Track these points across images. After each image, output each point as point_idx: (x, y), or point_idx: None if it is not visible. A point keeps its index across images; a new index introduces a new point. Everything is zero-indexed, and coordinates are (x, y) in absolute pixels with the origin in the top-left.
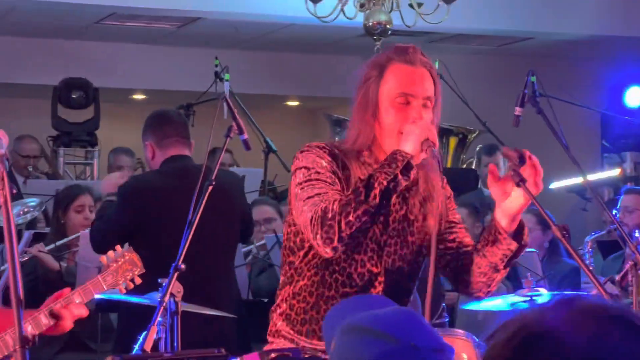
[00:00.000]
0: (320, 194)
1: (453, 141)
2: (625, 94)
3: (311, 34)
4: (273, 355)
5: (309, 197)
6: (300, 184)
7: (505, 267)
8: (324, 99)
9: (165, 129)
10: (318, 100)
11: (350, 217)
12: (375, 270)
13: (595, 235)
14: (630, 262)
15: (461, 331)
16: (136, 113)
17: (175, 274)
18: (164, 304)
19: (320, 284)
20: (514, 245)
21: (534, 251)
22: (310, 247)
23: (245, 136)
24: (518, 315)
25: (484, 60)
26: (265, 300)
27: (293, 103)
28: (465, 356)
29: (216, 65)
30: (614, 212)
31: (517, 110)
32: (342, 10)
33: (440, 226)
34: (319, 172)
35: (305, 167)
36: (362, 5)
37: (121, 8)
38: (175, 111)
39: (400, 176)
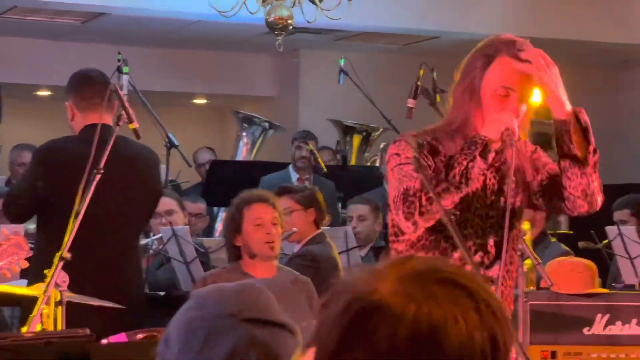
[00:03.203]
0: (406, 175)
1: (357, 139)
2: (532, 92)
3: (218, 32)
4: (141, 335)
5: (396, 179)
6: (392, 169)
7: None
8: (231, 97)
9: (84, 90)
10: (226, 98)
11: (431, 194)
12: (480, 241)
13: None
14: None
15: None
16: (41, 110)
17: (60, 264)
18: (48, 294)
19: None
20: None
21: None
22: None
23: (135, 125)
24: (348, 281)
25: (390, 58)
26: (162, 293)
27: (200, 101)
28: None
29: (119, 60)
30: None
31: (410, 102)
32: (244, 3)
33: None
34: (408, 157)
35: (396, 154)
36: (264, 0)
37: (23, 1)
38: (99, 72)
39: (478, 158)
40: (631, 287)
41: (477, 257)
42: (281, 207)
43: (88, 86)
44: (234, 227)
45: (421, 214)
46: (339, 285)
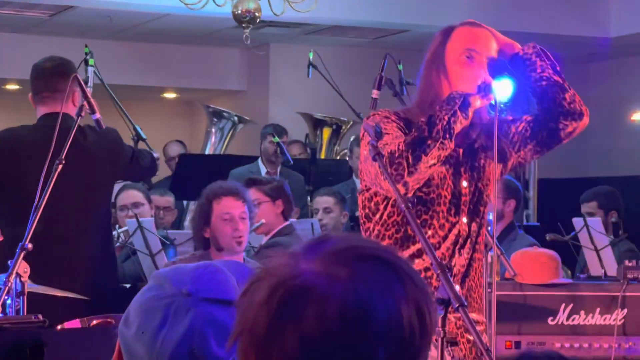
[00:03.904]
0: (387, 143)
1: (327, 132)
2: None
3: (187, 25)
4: (95, 321)
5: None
6: (369, 142)
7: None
8: (201, 91)
9: (35, 83)
10: (195, 92)
11: (417, 152)
12: (453, 220)
13: None
14: None
15: None
16: (10, 103)
17: (22, 254)
18: (9, 285)
19: (404, 239)
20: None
21: None
22: (385, 207)
23: (97, 116)
24: (269, 267)
25: (359, 52)
26: (128, 285)
27: (170, 95)
28: None
29: (86, 53)
30: None
31: (374, 93)
32: None
33: (514, 150)
34: (386, 128)
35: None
36: None
37: None
38: (56, 62)
39: (459, 112)
40: (597, 278)
41: (452, 236)
42: (252, 198)
43: (38, 79)
44: (203, 218)
45: (410, 173)
46: (260, 271)
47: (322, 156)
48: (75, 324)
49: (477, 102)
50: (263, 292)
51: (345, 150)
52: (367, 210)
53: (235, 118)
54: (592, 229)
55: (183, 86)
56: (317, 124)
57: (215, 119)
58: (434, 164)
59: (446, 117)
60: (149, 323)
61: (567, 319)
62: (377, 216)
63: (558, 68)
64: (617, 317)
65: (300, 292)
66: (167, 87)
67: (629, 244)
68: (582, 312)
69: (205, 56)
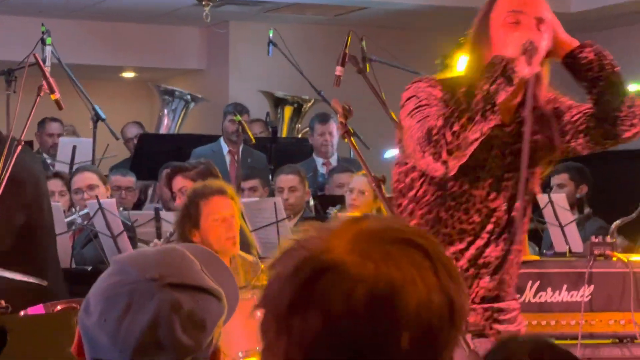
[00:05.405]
0: (427, 116)
1: (288, 110)
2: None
3: (145, 3)
4: (59, 307)
5: (418, 121)
6: (410, 112)
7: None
8: (160, 70)
9: None
10: (155, 71)
11: (455, 127)
12: (492, 205)
13: None
14: None
15: None
16: None
17: None
18: None
19: (435, 221)
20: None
21: None
22: (421, 185)
23: (57, 95)
24: (302, 240)
25: (319, 29)
26: (89, 268)
27: (129, 74)
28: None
29: (43, 32)
30: None
31: (338, 70)
32: None
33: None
34: (428, 98)
35: (415, 96)
36: None
37: None
38: None
39: (502, 78)
40: (562, 254)
41: (490, 226)
42: (178, 186)
43: None
44: (191, 222)
45: (449, 152)
46: (289, 244)
47: (284, 135)
48: (39, 309)
49: (523, 68)
50: (291, 264)
51: (307, 129)
52: (401, 185)
53: (188, 96)
54: (557, 205)
55: (142, 65)
56: (278, 102)
57: (168, 98)
58: (477, 139)
59: (486, 86)
60: (112, 310)
61: (534, 296)
62: (412, 193)
63: (617, 69)
64: (584, 294)
65: (329, 268)
66: (125, 67)
67: (600, 221)
68: (549, 289)
69: (164, 35)
